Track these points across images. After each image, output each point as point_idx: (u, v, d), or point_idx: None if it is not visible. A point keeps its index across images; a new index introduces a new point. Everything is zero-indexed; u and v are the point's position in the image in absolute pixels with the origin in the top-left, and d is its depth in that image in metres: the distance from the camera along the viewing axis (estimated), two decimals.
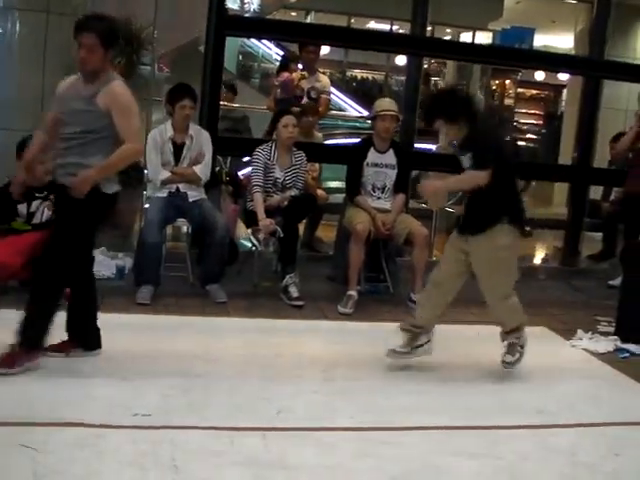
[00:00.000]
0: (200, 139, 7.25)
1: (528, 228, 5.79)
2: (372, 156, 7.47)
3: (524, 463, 4.37)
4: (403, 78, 19.52)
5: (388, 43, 9.95)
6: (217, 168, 7.84)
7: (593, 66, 9.78)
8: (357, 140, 8.58)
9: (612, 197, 10.18)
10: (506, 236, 5.49)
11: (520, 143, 20.93)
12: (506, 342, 5.73)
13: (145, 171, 7.76)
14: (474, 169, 5.36)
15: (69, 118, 5.08)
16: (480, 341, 6.39)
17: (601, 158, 10.31)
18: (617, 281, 8.66)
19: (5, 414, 4.34)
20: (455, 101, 5.54)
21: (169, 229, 7.66)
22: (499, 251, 5.49)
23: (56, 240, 5.09)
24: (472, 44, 15.97)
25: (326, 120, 10.01)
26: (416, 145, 9.26)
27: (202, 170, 7.20)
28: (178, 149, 7.18)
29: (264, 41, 15.75)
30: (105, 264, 7.43)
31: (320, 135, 9.32)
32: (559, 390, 5.60)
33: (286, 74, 8.88)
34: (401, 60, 18.91)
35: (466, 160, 5.43)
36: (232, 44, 11.31)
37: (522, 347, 5.72)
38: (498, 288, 5.63)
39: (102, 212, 5.29)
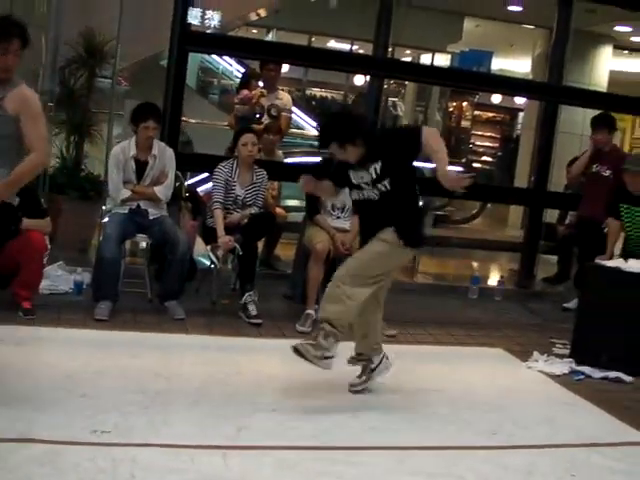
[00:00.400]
0: (164, 158, 7.21)
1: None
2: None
3: None
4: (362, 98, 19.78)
5: (350, 63, 10.07)
6: (177, 184, 7.81)
7: (552, 91, 9.93)
8: (317, 159, 8.60)
9: (567, 220, 10.32)
10: (390, 234, 5.28)
11: (476, 165, 21.15)
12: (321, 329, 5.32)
13: (105, 186, 7.76)
14: (394, 165, 5.29)
15: None
16: (437, 362, 6.43)
17: (557, 182, 10.44)
18: (572, 304, 8.81)
19: None
20: (348, 123, 5.45)
21: (127, 244, 7.62)
22: (376, 243, 5.32)
23: None
24: (432, 66, 16.13)
25: (286, 138, 10.02)
26: None
27: (163, 191, 7.17)
28: (141, 167, 7.13)
29: (225, 57, 15.76)
30: (63, 279, 7.40)
31: (281, 153, 9.34)
32: (515, 411, 5.65)
33: (245, 91, 8.88)
34: (360, 80, 19.07)
35: (367, 175, 5.31)
36: (193, 59, 11.30)
37: (326, 349, 5.28)
38: (351, 268, 5.34)
39: (10, 226, 5.10)
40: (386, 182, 5.26)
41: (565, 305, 8.99)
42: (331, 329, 5.24)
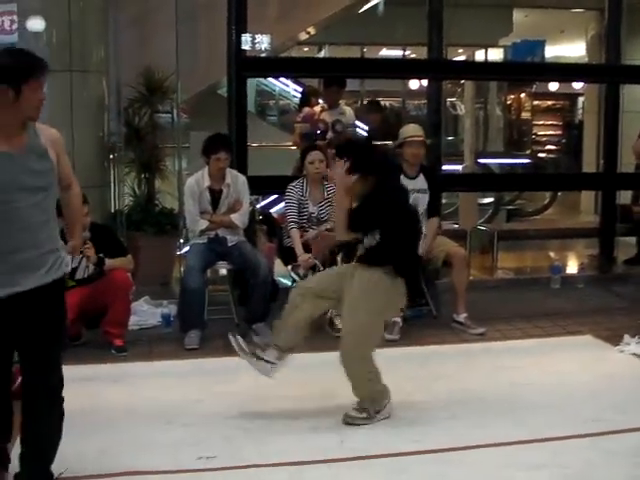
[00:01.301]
0: (237, 185, 7.30)
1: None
2: (404, 183, 7.54)
3: (591, 469, 4.43)
4: (419, 102, 19.79)
5: (407, 69, 10.10)
6: (250, 208, 7.91)
7: (611, 72, 9.85)
8: None
9: None
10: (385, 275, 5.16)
11: (541, 155, 20.97)
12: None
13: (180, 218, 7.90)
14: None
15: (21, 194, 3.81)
16: (528, 355, 6.42)
17: (627, 162, 10.34)
18: None
19: (76, 469, 4.39)
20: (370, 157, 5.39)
21: (208, 273, 7.72)
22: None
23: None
24: (488, 62, 16.12)
25: None
26: (443, 167, 9.34)
27: (240, 218, 7.26)
28: (215, 196, 7.24)
29: (281, 78, 15.89)
30: (150, 313, 7.54)
31: None
32: (613, 396, 5.62)
33: (307, 109, 8.97)
34: (415, 84, 19.05)
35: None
36: (249, 84, 11.44)
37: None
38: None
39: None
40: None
41: None
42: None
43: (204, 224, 7.17)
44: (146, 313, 7.54)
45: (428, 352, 6.76)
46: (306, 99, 9.22)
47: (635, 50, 13.68)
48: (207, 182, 7.20)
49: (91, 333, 6.88)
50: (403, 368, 6.15)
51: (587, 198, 14.90)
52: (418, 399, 5.55)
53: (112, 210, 8.70)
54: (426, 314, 7.80)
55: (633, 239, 9.93)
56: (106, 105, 8.70)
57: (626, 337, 6.92)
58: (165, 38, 8.76)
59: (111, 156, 8.77)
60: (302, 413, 5.31)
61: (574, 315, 7.90)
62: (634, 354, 6.62)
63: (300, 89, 13.38)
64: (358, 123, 9.80)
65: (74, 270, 6.67)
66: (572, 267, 10.54)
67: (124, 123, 8.72)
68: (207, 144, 7.18)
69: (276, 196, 9.60)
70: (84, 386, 5.78)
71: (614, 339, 6.98)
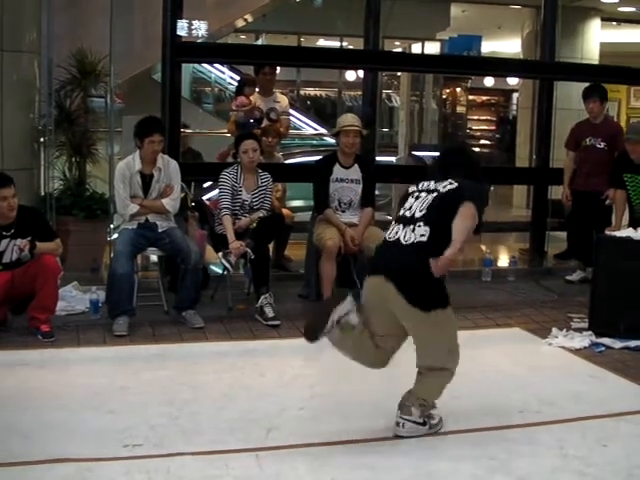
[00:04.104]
0: (169, 170, 7.23)
1: None
2: (337, 172, 7.55)
3: (517, 460, 4.45)
4: (355, 93, 19.82)
5: (344, 59, 10.07)
6: (182, 194, 7.84)
7: (546, 69, 9.95)
8: (318, 157, 8.65)
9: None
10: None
11: (475, 149, 21.14)
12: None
13: (111, 203, 7.79)
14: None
15: None
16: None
17: (559, 158, 10.45)
18: (574, 276, 9.15)
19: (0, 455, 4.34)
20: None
21: (138, 259, 7.64)
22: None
23: None
24: (424, 55, 16.17)
25: (284, 140, 10.05)
26: (377, 158, 9.35)
27: (171, 203, 7.20)
28: (146, 181, 7.16)
29: (217, 65, 15.80)
30: (78, 298, 7.44)
31: (280, 155, 9.36)
32: (540, 388, 5.67)
33: (242, 98, 8.89)
34: (352, 76, 19.09)
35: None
36: (184, 70, 11.34)
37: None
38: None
39: None
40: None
41: (567, 278, 9.16)
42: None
43: (134, 208, 7.08)
44: (74, 299, 7.43)
45: None
46: (241, 88, 9.15)
47: (569, 48, 13.87)
48: (138, 166, 7.11)
49: (18, 319, 6.75)
50: (332, 358, 6.15)
51: (520, 193, 15.06)
52: (346, 388, 5.53)
53: (42, 193, 8.56)
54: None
55: (563, 234, 10.03)
56: (37, 87, 8.56)
57: (554, 330, 7.00)
58: (100, 21, 8.65)
59: (41, 139, 8.61)
60: (231, 402, 5.27)
61: (504, 308, 7.97)
62: (562, 347, 6.69)
63: (237, 77, 13.34)
64: (292, 111, 9.78)
65: (1, 254, 6.56)
66: (503, 260, 10.62)
67: (55, 105, 8.56)
68: (140, 127, 7.08)
69: (209, 183, 9.52)
70: (10, 372, 5.72)
71: (543, 332, 7.06)
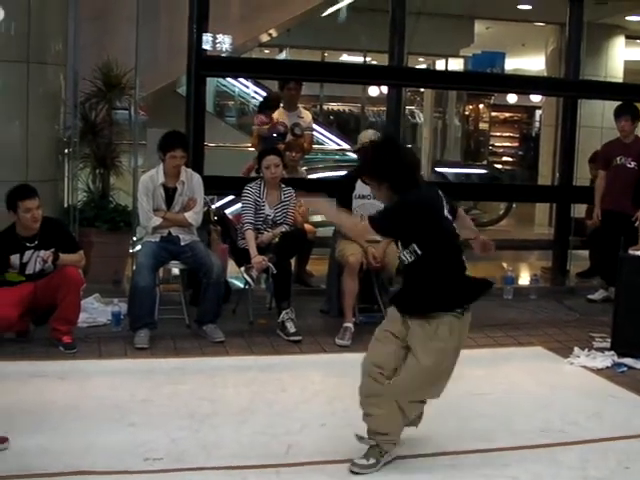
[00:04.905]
0: (192, 184, 7.26)
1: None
2: (359, 188, 7.53)
3: None
4: (378, 109, 19.85)
5: (368, 75, 10.09)
6: (205, 208, 7.86)
7: (570, 86, 9.94)
8: (341, 173, 8.65)
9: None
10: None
11: (498, 166, 21.12)
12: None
13: (134, 216, 7.81)
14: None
15: None
16: (478, 365, 6.41)
17: (582, 176, 10.44)
18: (596, 295, 9.08)
19: (19, 467, 4.34)
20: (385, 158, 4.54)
21: (160, 272, 7.65)
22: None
23: None
24: (448, 71, 16.15)
25: (307, 155, 10.06)
26: None
27: (193, 217, 7.22)
28: (170, 194, 7.19)
29: (241, 79, 15.84)
30: (100, 311, 7.46)
31: (303, 170, 9.38)
32: (562, 408, 5.64)
33: (262, 117, 8.90)
34: (375, 91, 19.10)
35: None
36: (208, 83, 11.39)
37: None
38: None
39: None
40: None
41: (590, 297, 9.10)
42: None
43: (157, 221, 7.10)
44: (96, 311, 7.46)
45: None
46: (266, 105, 9.16)
47: (594, 66, 13.85)
48: (161, 179, 7.14)
49: (40, 329, 6.77)
50: (353, 374, 6.13)
51: (542, 210, 15.01)
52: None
53: (65, 205, 8.59)
54: (378, 320, 7.69)
55: (586, 252, 9.99)
56: (63, 99, 8.59)
57: (576, 349, 6.97)
58: (126, 34, 8.69)
59: (66, 150, 8.64)
60: (252, 417, 5.26)
61: (525, 326, 7.94)
62: (584, 366, 6.66)
63: (262, 92, 13.40)
64: (315, 126, 9.78)
65: (24, 265, 6.59)
66: (525, 279, 10.58)
67: (80, 117, 8.61)
68: (164, 141, 7.11)
69: (232, 197, 9.54)
70: (30, 382, 5.73)
71: (564, 351, 7.03)
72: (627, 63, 15.46)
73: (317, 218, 10.05)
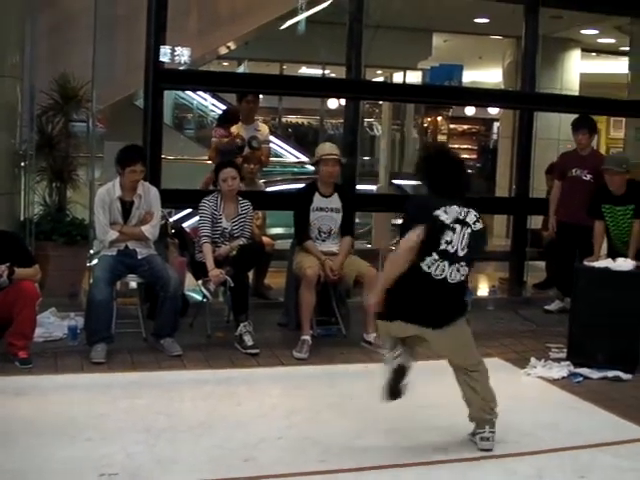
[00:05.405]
0: (149, 197, 7.23)
1: None
2: (317, 201, 7.56)
3: None
4: (337, 121, 19.89)
5: (326, 88, 10.13)
6: (162, 221, 7.83)
7: (527, 99, 10.03)
8: (299, 186, 8.66)
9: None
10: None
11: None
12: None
13: (91, 229, 7.76)
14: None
15: None
16: (434, 376, 6.43)
17: (539, 188, 10.52)
18: (552, 305, 9.16)
19: None
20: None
21: (117, 285, 7.60)
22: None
23: None
24: (406, 84, 16.25)
25: (265, 167, 10.06)
26: (358, 187, 9.37)
27: (150, 230, 7.18)
28: (126, 208, 7.15)
29: (199, 92, 15.82)
30: (56, 325, 7.39)
31: (261, 183, 9.39)
32: (518, 419, 5.65)
33: (221, 130, 8.90)
34: (333, 103, 19.15)
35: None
36: (166, 96, 11.35)
37: None
38: None
39: None
40: None
41: (546, 308, 9.18)
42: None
43: (114, 235, 7.07)
44: (52, 325, 7.38)
45: (337, 371, 6.75)
46: (227, 118, 9.15)
47: (549, 78, 13.99)
48: (118, 192, 7.10)
49: None
50: (311, 387, 6.15)
51: (499, 222, 15.12)
52: (325, 418, 5.53)
53: (21, 218, 8.52)
54: (336, 333, 7.80)
55: (543, 263, 10.07)
56: (19, 112, 8.54)
57: (533, 360, 7.03)
58: (83, 46, 8.63)
59: (22, 163, 8.57)
60: (209, 431, 5.24)
61: (483, 337, 7.89)
62: (540, 377, 6.71)
63: (220, 105, 13.38)
64: (273, 139, 9.78)
65: None
66: (483, 290, 10.65)
67: (37, 130, 8.55)
68: (122, 155, 7.08)
69: (189, 210, 9.52)
70: None
71: (521, 362, 7.09)
72: (582, 76, 15.64)
73: (274, 230, 10.08)
